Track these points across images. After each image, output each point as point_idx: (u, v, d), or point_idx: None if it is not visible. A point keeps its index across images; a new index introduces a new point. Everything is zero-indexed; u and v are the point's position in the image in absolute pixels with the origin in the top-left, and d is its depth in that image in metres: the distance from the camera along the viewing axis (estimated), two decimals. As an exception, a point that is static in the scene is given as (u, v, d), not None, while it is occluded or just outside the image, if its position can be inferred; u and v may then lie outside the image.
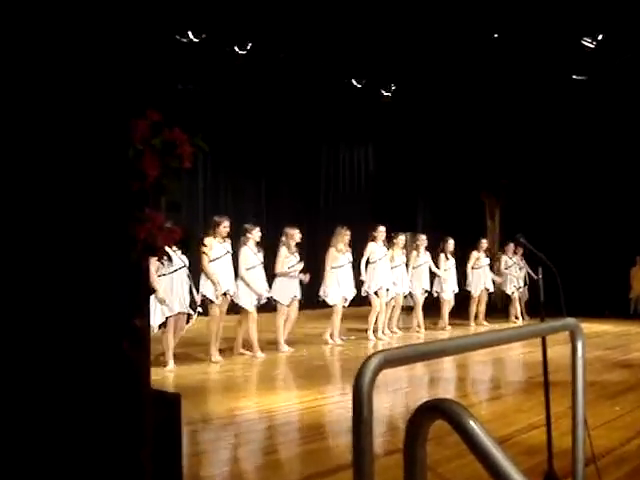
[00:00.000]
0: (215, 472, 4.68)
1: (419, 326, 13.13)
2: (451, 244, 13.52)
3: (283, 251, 10.20)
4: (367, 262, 11.80)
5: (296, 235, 10.31)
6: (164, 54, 11.68)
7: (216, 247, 9.24)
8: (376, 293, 11.79)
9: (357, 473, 1.94)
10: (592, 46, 12.61)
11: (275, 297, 10.16)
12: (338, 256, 10.93)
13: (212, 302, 9.13)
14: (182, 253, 8.17)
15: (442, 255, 13.49)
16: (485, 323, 14.15)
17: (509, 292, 14.59)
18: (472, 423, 1.53)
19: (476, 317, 14.21)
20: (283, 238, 10.32)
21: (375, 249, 11.87)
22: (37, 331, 2.78)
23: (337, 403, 6.56)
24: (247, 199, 16.91)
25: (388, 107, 16.46)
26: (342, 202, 19.20)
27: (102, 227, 2.94)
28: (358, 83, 15.30)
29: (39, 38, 2.84)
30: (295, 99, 15.76)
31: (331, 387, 7.71)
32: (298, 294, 10.34)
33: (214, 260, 9.18)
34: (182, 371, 8.39)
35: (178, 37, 12.33)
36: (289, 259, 10.22)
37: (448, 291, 13.51)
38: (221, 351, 9.38)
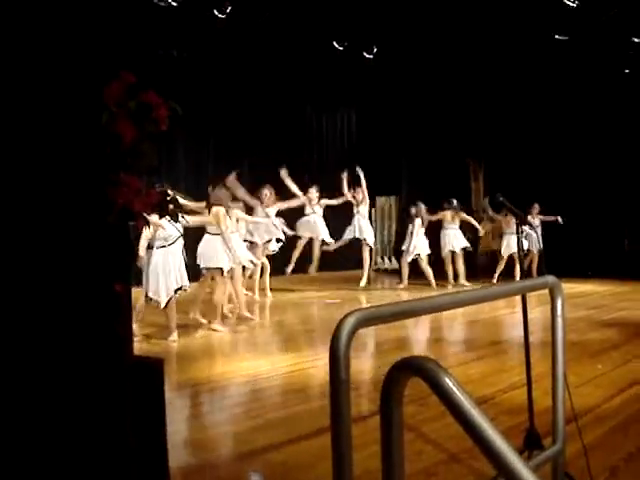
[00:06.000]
0: (199, 436, 4.70)
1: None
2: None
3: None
4: None
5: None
6: (142, 18, 11.51)
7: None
8: None
9: (335, 432, 1.94)
10: (574, 5, 12.51)
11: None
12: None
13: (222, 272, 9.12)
14: (175, 221, 8.06)
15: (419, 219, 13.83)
16: (465, 283, 14.17)
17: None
18: (446, 379, 1.52)
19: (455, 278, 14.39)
20: None
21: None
22: (13, 299, 2.76)
23: (320, 366, 6.57)
24: (229, 164, 16.76)
25: (371, 70, 16.32)
26: (326, 165, 19.14)
27: (77, 191, 2.90)
28: (340, 46, 15.14)
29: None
30: (277, 63, 15.60)
31: (315, 350, 7.73)
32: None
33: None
34: (164, 336, 8.35)
35: (156, 1, 12.14)
36: None
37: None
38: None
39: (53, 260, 2.87)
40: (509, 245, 14.25)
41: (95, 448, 2.93)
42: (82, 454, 2.90)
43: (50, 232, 2.86)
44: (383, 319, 2.15)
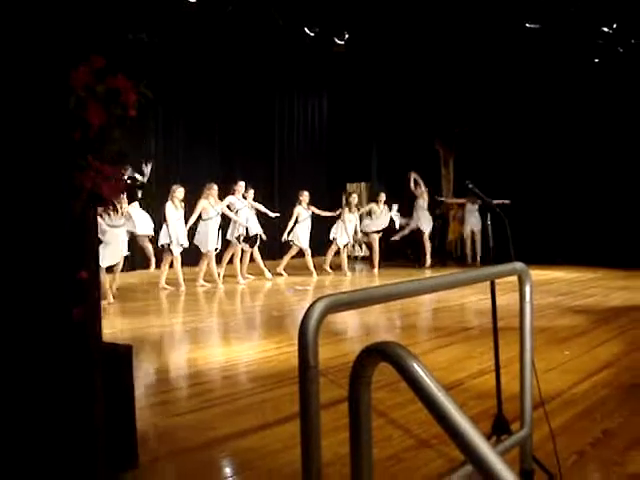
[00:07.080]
0: (167, 423, 4.68)
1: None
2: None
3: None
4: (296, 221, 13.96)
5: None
6: (112, 1, 11.37)
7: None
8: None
9: (303, 417, 1.94)
10: (546, -7, 12.56)
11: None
12: (208, 209, 12.09)
13: None
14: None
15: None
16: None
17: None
18: (414, 364, 1.52)
19: None
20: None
21: (302, 211, 13.95)
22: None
23: (290, 353, 6.57)
24: (201, 150, 16.70)
25: (342, 56, 16.28)
26: (296, 152, 19.15)
27: (44, 177, 2.86)
28: (311, 32, 15.06)
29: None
30: (248, 48, 15.52)
31: (285, 336, 7.72)
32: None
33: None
34: (135, 324, 8.36)
35: (126, -16, 12.00)
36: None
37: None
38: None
39: (17, 246, 2.83)
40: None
41: (64, 438, 2.91)
42: (51, 444, 2.87)
43: (13, 218, 2.82)
44: (352, 305, 2.15)
